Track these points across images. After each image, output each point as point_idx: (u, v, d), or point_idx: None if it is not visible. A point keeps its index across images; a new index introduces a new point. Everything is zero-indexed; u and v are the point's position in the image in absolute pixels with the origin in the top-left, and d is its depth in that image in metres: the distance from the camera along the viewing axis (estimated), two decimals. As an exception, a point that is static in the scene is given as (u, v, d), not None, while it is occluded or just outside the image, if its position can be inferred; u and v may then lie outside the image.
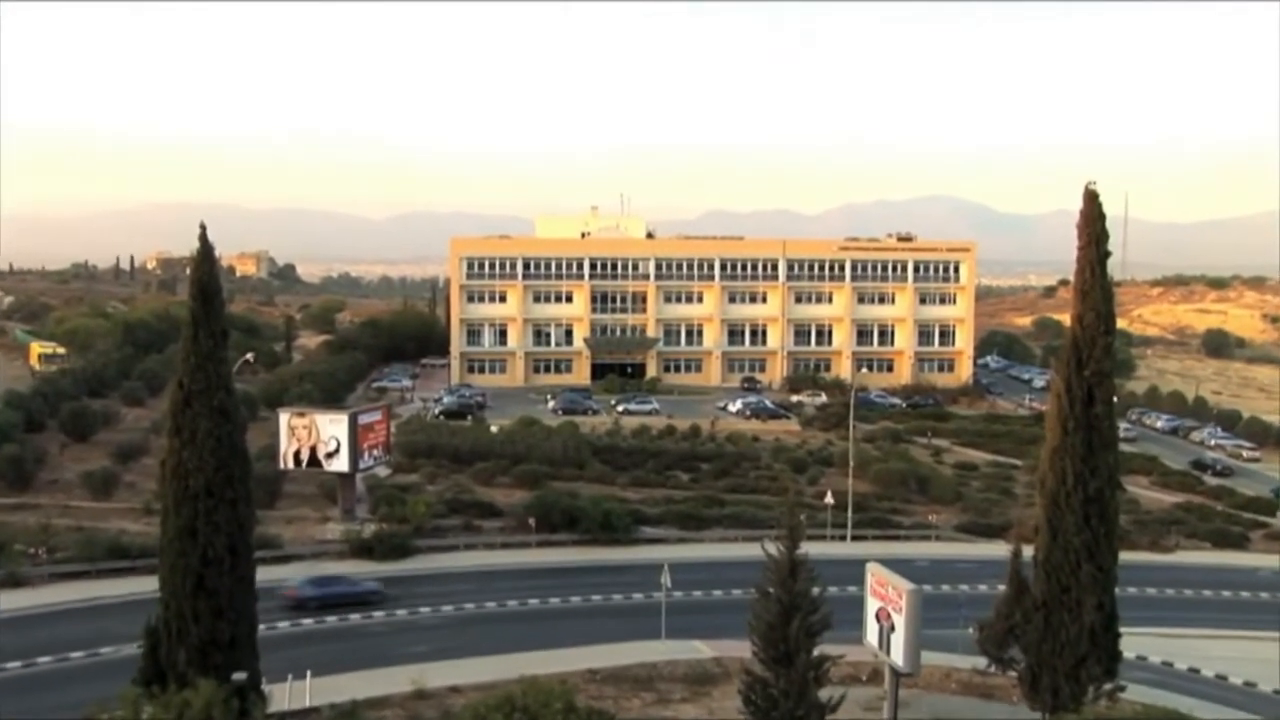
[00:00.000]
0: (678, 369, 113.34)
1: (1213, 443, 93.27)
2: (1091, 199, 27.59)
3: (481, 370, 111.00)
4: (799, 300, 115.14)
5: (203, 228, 24.51)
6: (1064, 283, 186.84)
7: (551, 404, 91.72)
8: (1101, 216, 27.65)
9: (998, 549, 48.31)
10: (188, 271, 26.81)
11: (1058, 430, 27.72)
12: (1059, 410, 27.77)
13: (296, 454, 51.30)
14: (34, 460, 58.67)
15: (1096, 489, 27.36)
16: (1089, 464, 27.31)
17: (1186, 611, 47.41)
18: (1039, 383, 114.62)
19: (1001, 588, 30.88)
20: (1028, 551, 29.40)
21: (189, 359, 24.33)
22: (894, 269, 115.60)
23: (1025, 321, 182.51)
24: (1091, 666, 27.46)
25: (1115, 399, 28.09)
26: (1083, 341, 27.59)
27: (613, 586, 45.73)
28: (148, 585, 28.54)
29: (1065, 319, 36.97)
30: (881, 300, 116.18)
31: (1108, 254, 27.87)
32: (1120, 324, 33.28)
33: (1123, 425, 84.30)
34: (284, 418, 52.02)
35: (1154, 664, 39.02)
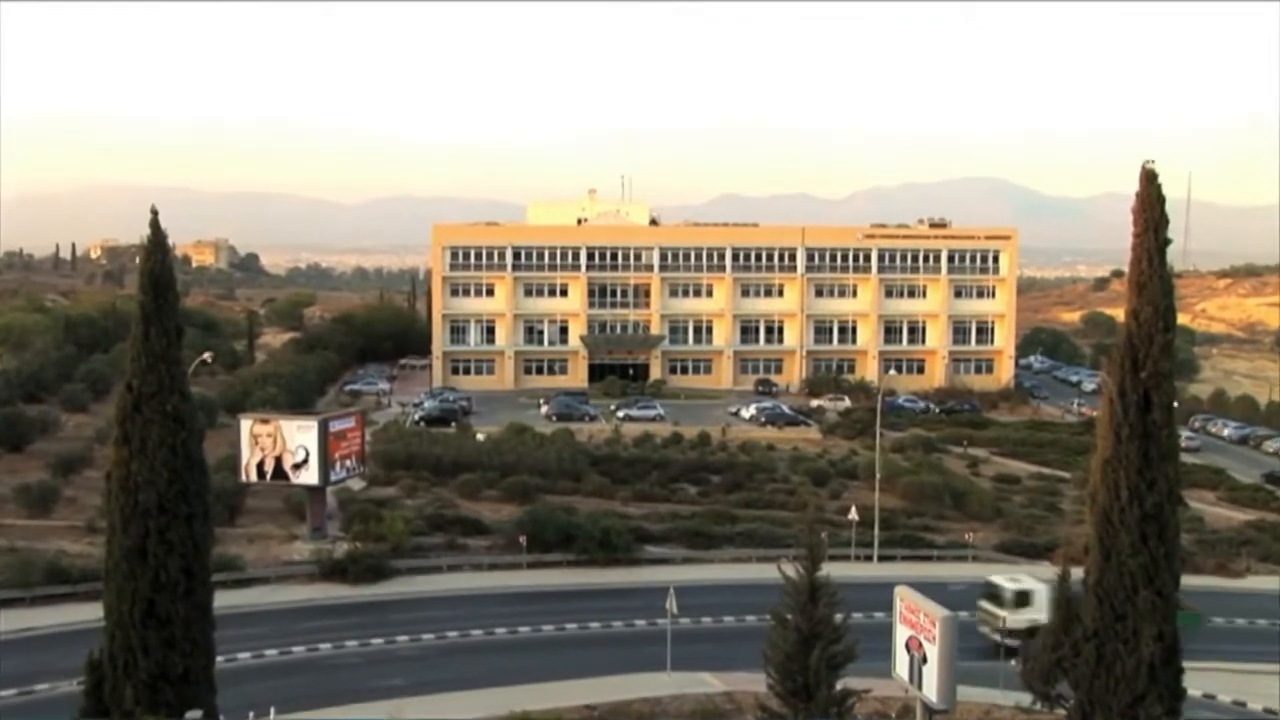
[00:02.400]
0: (685, 370, 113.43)
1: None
2: (1149, 180, 27.52)
3: (466, 372, 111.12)
4: (820, 294, 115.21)
5: (154, 213, 24.53)
6: (1118, 274, 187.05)
7: (544, 409, 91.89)
8: (1161, 199, 27.58)
9: (1043, 571, 48.16)
10: (137, 261, 26.84)
11: (1110, 439, 27.70)
12: (1112, 416, 27.75)
13: (260, 465, 51.31)
14: (-36, 472, 58.68)
15: (1154, 504, 27.32)
16: (1146, 476, 27.27)
17: (1260, 644, 47.00)
18: (1089, 386, 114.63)
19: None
20: (1077, 574, 29.36)
21: (139, 359, 24.31)
22: (925, 259, 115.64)
23: (1073, 317, 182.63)
24: (1151, 705, 27.38)
25: (1176, 404, 28.03)
26: (1138, 339, 27.56)
27: (612, 612, 45.71)
28: (91, 613, 28.56)
29: (1119, 314, 36.97)
30: (911, 294, 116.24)
31: (1167, 241, 27.82)
32: (1181, 319, 33.29)
33: (1184, 433, 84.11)
34: (246, 425, 52.05)
35: (1223, 703, 38.86)
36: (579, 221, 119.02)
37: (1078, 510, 61.24)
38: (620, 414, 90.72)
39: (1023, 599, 42.82)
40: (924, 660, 26.84)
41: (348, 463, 53.86)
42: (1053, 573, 40.98)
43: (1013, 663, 33.02)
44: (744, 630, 41.98)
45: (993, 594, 43.85)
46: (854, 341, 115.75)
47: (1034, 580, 44.03)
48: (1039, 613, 40.78)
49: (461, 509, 59.38)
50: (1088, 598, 28.46)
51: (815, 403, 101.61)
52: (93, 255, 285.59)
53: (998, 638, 41.48)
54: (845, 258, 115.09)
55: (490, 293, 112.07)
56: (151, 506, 23.98)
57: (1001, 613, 42.59)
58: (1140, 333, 27.56)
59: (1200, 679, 32.00)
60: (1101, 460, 27.94)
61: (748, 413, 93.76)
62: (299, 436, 51.08)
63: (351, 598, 45.99)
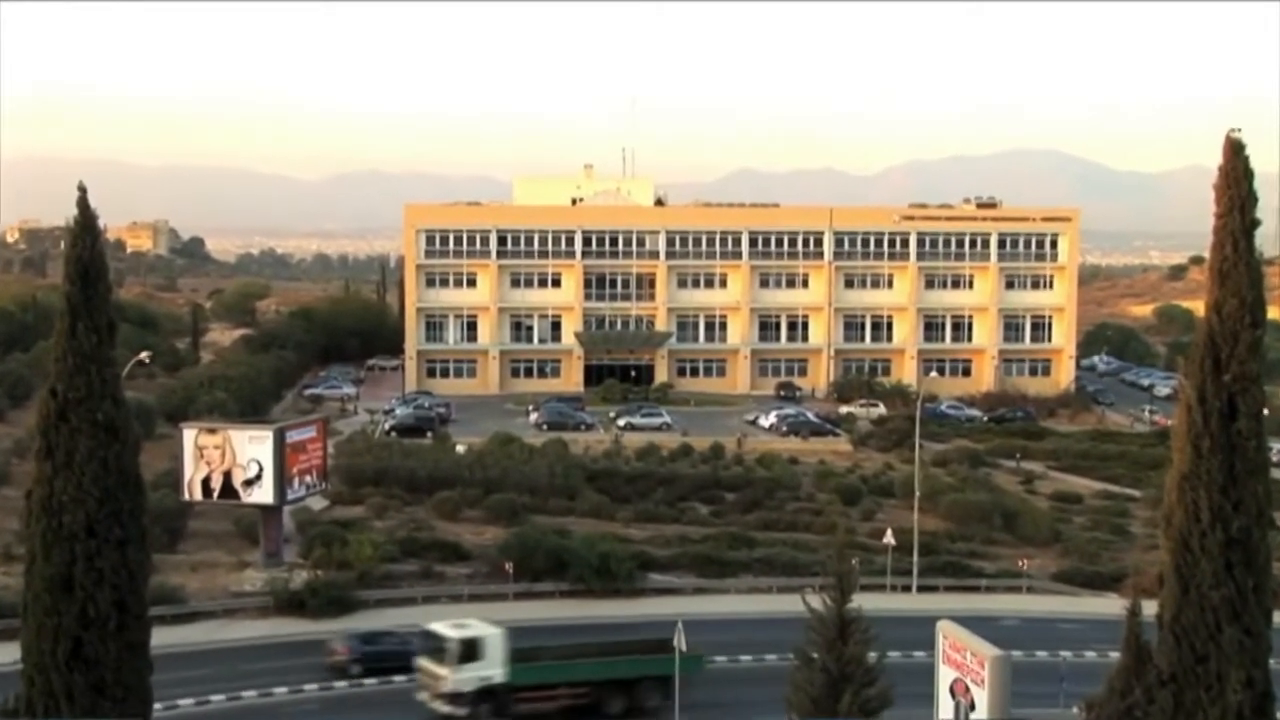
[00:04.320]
0: (695, 372, 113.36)
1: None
2: (1235, 151, 27.36)
3: (444, 374, 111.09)
4: (850, 284, 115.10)
5: (82, 190, 24.49)
6: (1197, 260, 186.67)
7: (534, 417, 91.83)
8: (1249, 174, 27.43)
9: (1109, 605, 48.39)
10: (62, 247, 26.85)
11: (1188, 452, 27.60)
12: (1190, 426, 27.67)
13: (206, 482, 51.43)
14: None
15: (1241, 528, 27.22)
16: (1230, 495, 27.18)
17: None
18: (1163, 390, 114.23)
19: (1115, 655, 30.81)
20: (1149, 609, 29.29)
21: (64, 360, 24.27)
22: (972, 244, 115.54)
23: (1145, 311, 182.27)
24: (1236, 760, 27.31)
25: (1265, 411, 27.96)
26: (1221, 337, 27.47)
27: (612, 651, 45.73)
28: (6, 654, 28.52)
29: (1198, 307, 36.91)
30: (956, 284, 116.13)
31: (1256, 222, 27.70)
32: (1272, 313, 33.25)
33: (1276, 446, 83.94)
34: (189, 435, 52.17)
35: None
36: (574, 201, 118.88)
37: (1150, 534, 61.03)
38: (621, 422, 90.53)
39: (469, 651, 38.22)
40: (971, 707, 26.77)
41: (307, 478, 53.92)
42: (1119, 606, 40.89)
43: (1076, 710, 32.95)
44: (764, 672, 41.96)
45: (433, 647, 39.07)
46: (889, 339, 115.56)
47: (484, 626, 39.58)
48: (492, 668, 37.95)
49: (438, 531, 59.45)
50: (1163, 636, 28.36)
51: (845, 409, 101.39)
52: (9, 239, 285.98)
53: (440, 706, 37.95)
54: (879, 243, 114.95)
55: (471, 283, 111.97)
56: (79, 530, 23.92)
57: (443, 671, 38.16)
58: (1223, 329, 27.47)
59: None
60: (1178, 476, 27.84)
61: (767, 421, 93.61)
62: (251, 448, 51.15)
63: (311, 634, 45.92)
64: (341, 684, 42.01)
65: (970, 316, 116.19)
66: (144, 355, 58.98)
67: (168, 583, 47.36)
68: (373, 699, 41.19)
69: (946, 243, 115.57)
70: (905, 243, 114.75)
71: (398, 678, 41.68)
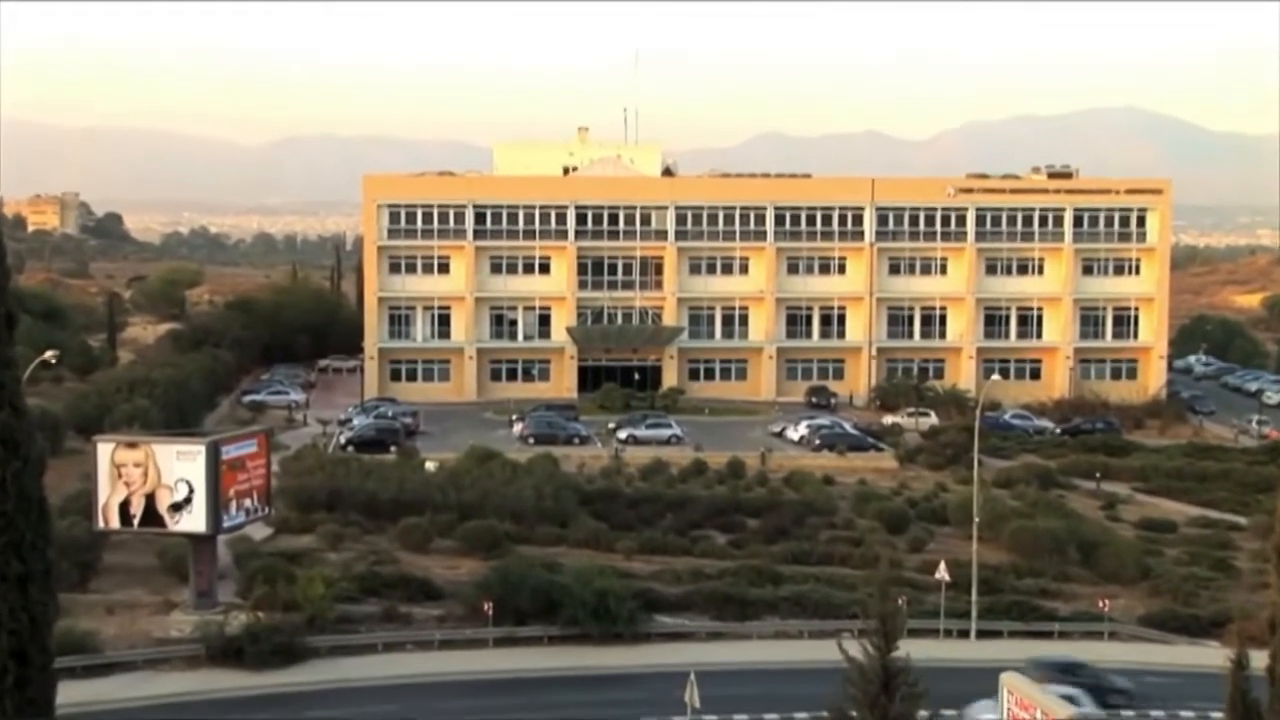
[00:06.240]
0: (710, 375, 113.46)
1: None
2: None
3: (412, 377, 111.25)
4: (895, 270, 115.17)
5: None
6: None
7: (519, 428, 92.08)
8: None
9: (1209, 655, 48.17)
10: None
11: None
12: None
13: (125, 506, 51.20)
14: None
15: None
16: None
17: None
18: (1273, 397, 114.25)
19: (1218, 716, 30.73)
20: (1257, 660, 29.23)
21: (-47, 360, 24.27)
22: (1042, 221, 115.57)
23: (1251, 301, 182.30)
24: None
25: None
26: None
27: (611, 706, 45.70)
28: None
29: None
30: (1023, 269, 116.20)
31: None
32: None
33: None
34: (105, 450, 51.95)
35: None
36: (566, 171, 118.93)
37: (1258, 570, 60.94)
38: (622, 435, 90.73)
39: None
40: (1043, 778, 26.74)
41: (247, 502, 53.74)
42: (1220, 656, 40.75)
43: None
44: (794, 734, 41.78)
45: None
46: (942, 336, 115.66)
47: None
48: None
49: (404, 565, 59.29)
50: (1274, 692, 28.34)
51: (889, 419, 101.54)
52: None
53: None
54: (931, 220, 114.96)
55: (444, 269, 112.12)
56: (-29, 565, 23.93)
57: None
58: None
59: None
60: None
61: (796, 433, 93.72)
62: (179, 467, 50.95)
63: (251, 689, 45.89)
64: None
65: (1040, 308, 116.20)
66: (49, 355, 58.83)
67: (78, 627, 47.05)
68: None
69: (1011, 220, 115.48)
70: (962, 220, 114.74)
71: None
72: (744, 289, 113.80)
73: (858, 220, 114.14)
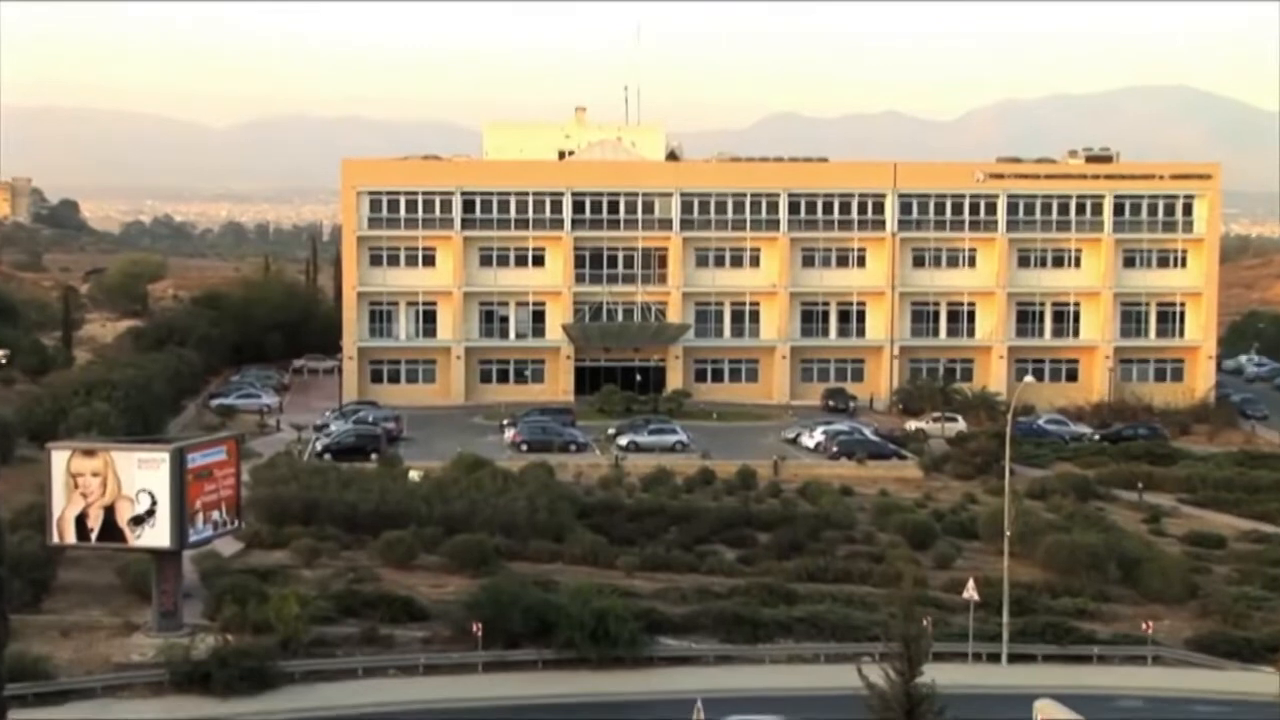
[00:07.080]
0: (718, 376, 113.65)
1: None
2: None
3: (394, 379, 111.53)
4: (920, 262, 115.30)
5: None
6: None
7: (510, 434, 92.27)
8: None
9: (1263, 681, 48.15)
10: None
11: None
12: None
13: (81, 519, 51.25)
14: None
15: None
16: None
17: None
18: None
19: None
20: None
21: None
22: (1080, 209, 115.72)
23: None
24: None
25: None
26: None
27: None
28: None
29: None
30: (1058, 262, 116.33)
31: None
32: None
33: None
34: (60, 458, 52.00)
35: None
36: (561, 155, 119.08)
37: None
38: (623, 441, 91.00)
39: None
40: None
41: (215, 515, 53.75)
42: (1275, 683, 40.67)
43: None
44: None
45: None
46: (970, 334, 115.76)
47: None
48: None
49: (386, 583, 59.37)
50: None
51: (913, 425, 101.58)
52: None
53: None
54: (958, 208, 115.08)
55: (429, 261, 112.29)
56: (-87, 582, 23.89)
57: None
58: None
59: None
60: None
61: (812, 440, 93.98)
62: (141, 476, 50.96)
63: (219, 718, 45.77)
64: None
65: (1077, 304, 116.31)
66: (1, 354, 58.89)
67: (30, 652, 47.05)
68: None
69: (1046, 207, 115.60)
70: (992, 208, 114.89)
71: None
72: (755, 283, 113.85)
73: (878, 208, 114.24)
